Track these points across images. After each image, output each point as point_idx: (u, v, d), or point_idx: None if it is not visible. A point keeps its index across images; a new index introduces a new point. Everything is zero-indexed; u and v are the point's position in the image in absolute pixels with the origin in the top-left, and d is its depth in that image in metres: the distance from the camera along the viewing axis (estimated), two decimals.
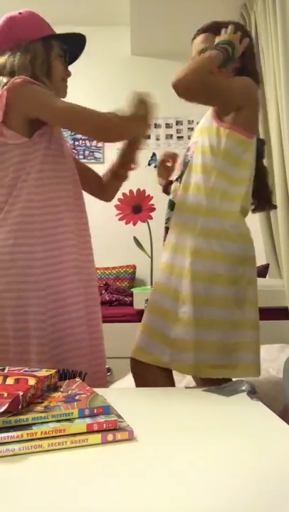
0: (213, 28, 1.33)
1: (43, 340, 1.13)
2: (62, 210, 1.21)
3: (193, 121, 3.56)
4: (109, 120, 1.19)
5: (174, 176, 1.45)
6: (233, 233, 1.24)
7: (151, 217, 2.45)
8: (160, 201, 1.79)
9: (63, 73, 1.30)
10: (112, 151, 3.63)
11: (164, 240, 1.36)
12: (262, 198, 1.40)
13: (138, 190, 2.41)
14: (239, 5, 3.30)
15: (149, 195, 2.43)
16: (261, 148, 1.38)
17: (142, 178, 2.18)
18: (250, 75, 1.32)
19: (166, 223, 1.37)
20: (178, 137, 3.65)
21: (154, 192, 1.98)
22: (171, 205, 1.34)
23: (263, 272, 3.01)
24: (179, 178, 1.35)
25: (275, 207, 1.48)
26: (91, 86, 3.40)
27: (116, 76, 3.59)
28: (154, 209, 2.44)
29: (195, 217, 1.24)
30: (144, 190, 2.43)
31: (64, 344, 1.17)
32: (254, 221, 3.08)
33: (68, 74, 1.32)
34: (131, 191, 2.38)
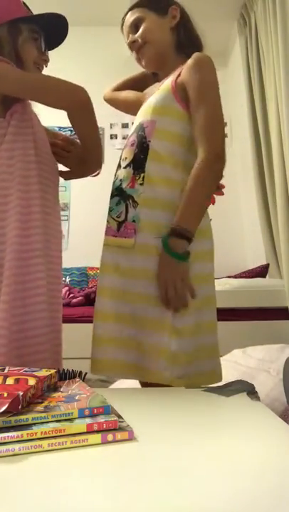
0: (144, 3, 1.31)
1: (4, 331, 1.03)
2: (34, 189, 1.12)
3: None
4: (84, 94, 1.14)
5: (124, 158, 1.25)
6: (206, 229, 1.19)
7: None
8: None
9: (37, 58, 1.20)
10: (112, 152, 3.64)
11: (108, 236, 1.22)
12: None
13: None
14: (239, 5, 3.31)
15: None
16: None
17: None
18: (192, 43, 1.28)
19: (118, 216, 1.20)
20: None
21: None
22: (125, 196, 1.19)
23: (263, 272, 3.02)
24: (132, 164, 1.20)
25: None
26: (90, 86, 3.37)
27: (116, 76, 3.58)
28: None
29: (172, 216, 1.13)
30: None
31: (26, 337, 1.07)
32: (254, 221, 3.09)
33: (45, 59, 1.22)
34: None
